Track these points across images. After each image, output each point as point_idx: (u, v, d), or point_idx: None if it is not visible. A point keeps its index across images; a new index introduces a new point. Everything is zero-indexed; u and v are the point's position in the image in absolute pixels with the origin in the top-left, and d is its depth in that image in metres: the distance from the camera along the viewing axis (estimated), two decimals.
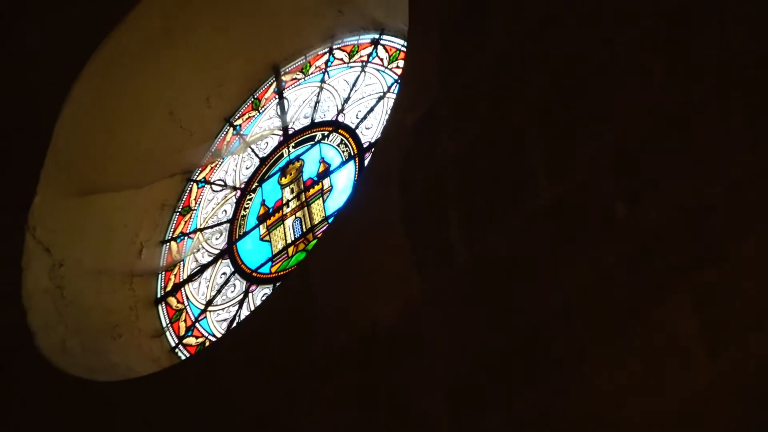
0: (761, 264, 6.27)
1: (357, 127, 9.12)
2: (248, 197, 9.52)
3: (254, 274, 9.09)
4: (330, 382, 7.53)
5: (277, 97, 9.75)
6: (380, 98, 9.04)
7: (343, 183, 8.99)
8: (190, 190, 9.86)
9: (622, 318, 6.62)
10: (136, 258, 9.60)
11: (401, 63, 8.62)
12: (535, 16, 7.65)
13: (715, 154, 6.60)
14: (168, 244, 9.73)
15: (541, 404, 6.70)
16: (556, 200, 7.08)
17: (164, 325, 9.34)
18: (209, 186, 9.81)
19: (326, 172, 9.15)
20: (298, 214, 9.13)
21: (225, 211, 9.61)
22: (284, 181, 9.36)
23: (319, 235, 8.77)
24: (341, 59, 9.60)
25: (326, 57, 9.68)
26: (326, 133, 9.34)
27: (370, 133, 8.92)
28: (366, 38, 9.45)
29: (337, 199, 8.92)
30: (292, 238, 9.05)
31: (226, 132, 9.90)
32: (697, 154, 6.66)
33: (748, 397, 6.12)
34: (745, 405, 6.12)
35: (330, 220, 8.73)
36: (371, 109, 9.09)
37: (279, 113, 9.67)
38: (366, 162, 8.75)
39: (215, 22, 9.65)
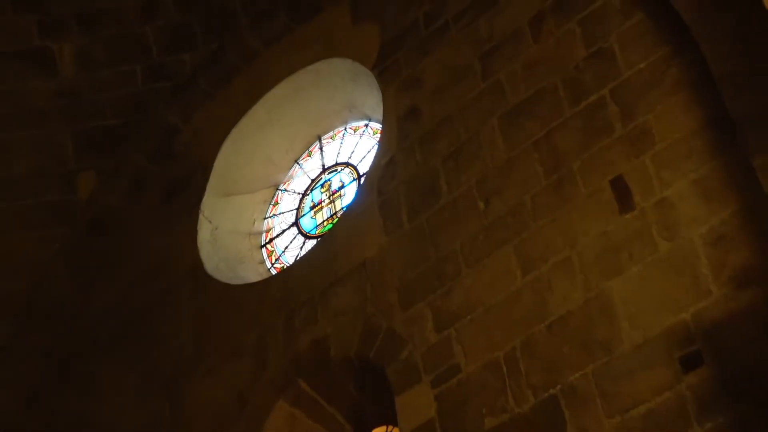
0: (550, 230, 6.37)
1: (358, 164, 9.04)
2: (305, 197, 9.37)
3: (308, 234, 8.99)
4: (342, 286, 7.55)
5: (319, 150, 9.61)
6: (369, 151, 8.92)
7: (350, 192, 8.89)
8: (278, 195, 9.69)
9: (479, 257, 6.76)
10: (252, 226, 9.48)
11: (378, 135, 8.52)
12: (441, 115, 7.64)
13: (525, 180, 6.68)
14: (267, 219, 9.55)
15: (444, 294, 6.82)
16: (452, 200, 7.21)
17: (265, 258, 9.21)
18: (287, 192, 9.64)
19: (342, 186, 9.05)
20: (329, 206, 9.02)
21: (294, 203, 9.44)
22: (323, 190, 9.22)
23: (338, 216, 8.69)
24: (350, 132, 9.43)
25: (343, 131, 9.52)
26: (343, 167, 9.22)
27: (364, 167, 8.82)
28: (362, 122, 9.31)
29: (347, 199, 8.84)
30: (326, 217, 8.96)
31: (295, 167, 9.73)
32: (516, 179, 6.73)
33: (543, 298, 6.29)
34: (543, 298, 6.22)
35: (344, 209, 8.67)
36: (364, 156, 8.99)
37: (321, 158, 9.54)
38: (361, 181, 8.69)
39: (291, 116, 9.50)
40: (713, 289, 5.53)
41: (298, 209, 9.35)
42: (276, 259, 9.09)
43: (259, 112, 9.48)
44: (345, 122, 9.49)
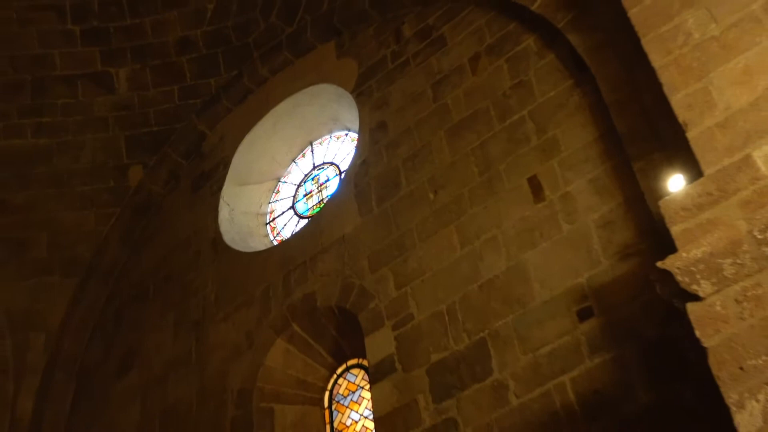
0: (482, 215, 6.30)
1: (340, 163, 8.94)
2: (300, 187, 9.24)
3: (301, 215, 8.89)
4: (326, 254, 7.49)
5: (311, 152, 9.51)
6: (348, 154, 8.81)
7: (334, 184, 8.79)
8: (279, 185, 9.56)
9: (429, 234, 6.67)
10: (259, 208, 9.36)
11: (355, 142, 8.43)
12: (402, 127, 7.59)
13: (464, 177, 6.63)
14: (271, 204, 9.43)
15: (402, 261, 6.75)
16: (410, 192, 7.15)
17: (269, 232, 9.10)
18: (286, 183, 9.51)
19: (327, 180, 8.94)
20: (317, 194, 8.92)
21: (291, 192, 9.32)
22: (313, 182, 9.12)
23: (324, 202, 8.60)
24: (335, 139, 9.32)
25: (329, 138, 9.42)
26: (328, 165, 9.11)
27: (344, 166, 8.73)
28: (343, 132, 9.23)
29: (331, 190, 8.73)
30: (315, 203, 8.85)
31: (293, 164, 9.60)
32: (457, 176, 6.68)
33: (476, 265, 6.18)
34: (476, 265, 6.13)
35: (329, 197, 8.54)
36: (344, 158, 8.89)
37: (312, 158, 9.45)
38: (342, 176, 8.55)
39: (290, 127, 9.37)
40: (602, 260, 5.59)
41: (294, 196, 9.25)
42: (277, 234, 8.99)
43: (266, 122, 9.40)
44: (330, 131, 9.40)
